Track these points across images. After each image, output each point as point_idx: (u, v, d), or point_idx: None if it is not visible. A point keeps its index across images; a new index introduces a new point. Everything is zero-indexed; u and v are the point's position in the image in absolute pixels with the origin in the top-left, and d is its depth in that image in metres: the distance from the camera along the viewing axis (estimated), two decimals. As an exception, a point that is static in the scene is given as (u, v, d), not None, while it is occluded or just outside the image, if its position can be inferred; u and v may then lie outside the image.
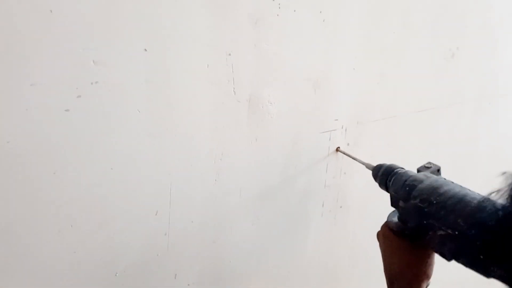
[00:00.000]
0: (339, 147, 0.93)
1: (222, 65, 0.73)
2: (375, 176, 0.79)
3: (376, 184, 1.01)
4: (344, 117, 0.92)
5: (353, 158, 0.89)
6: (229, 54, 0.73)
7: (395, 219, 0.71)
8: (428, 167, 0.70)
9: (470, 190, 0.60)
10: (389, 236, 0.69)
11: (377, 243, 0.72)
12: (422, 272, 0.65)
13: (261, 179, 0.86)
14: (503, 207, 0.52)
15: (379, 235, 0.72)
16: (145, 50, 0.65)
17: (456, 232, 0.57)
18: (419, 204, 0.63)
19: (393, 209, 0.73)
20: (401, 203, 0.69)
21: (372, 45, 0.89)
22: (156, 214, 0.75)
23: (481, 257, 0.54)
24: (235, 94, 0.76)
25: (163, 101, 0.69)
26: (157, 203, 0.75)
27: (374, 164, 0.80)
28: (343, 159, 0.96)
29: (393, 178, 0.73)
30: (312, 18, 0.79)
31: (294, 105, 0.84)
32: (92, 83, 0.63)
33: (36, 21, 0.56)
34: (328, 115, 0.89)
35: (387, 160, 1.03)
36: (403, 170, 0.73)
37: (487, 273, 0.54)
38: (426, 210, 0.62)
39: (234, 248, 0.88)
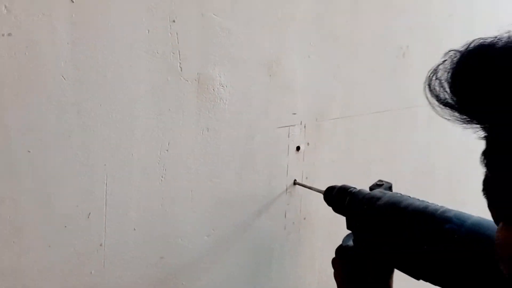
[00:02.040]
0: (295, 180, 0.85)
1: (165, 33, 0.63)
2: (327, 199, 0.73)
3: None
4: (302, 111, 0.83)
5: (310, 188, 0.82)
6: (173, 21, 0.63)
7: (350, 242, 0.67)
8: (380, 185, 0.69)
9: (429, 202, 0.60)
10: (346, 261, 0.66)
11: None
12: None
13: (216, 180, 0.73)
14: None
15: (335, 262, 0.68)
16: (72, 1, 0.54)
17: (425, 247, 0.56)
18: (379, 222, 0.61)
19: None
20: (358, 224, 0.65)
21: (326, 32, 0.83)
22: (88, 217, 0.60)
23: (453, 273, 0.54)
24: (181, 70, 0.65)
25: (94, 70, 0.57)
26: (89, 203, 0.60)
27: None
28: (303, 160, 0.86)
29: (347, 198, 0.68)
30: (264, -8, 0.73)
31: (249, 91, 0.74)
32: (3, 35, 0.50)
33: None
34: (285, 107, 0.80)
35: (348, 163, 0.95)
36: (357, 190, 0.69)
37: None
38: (387, 227, 0.60)
39: (187, 266, 0.72)
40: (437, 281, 0.56)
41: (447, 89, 0.37)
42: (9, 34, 0.50)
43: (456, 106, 0.36)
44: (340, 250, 0.68)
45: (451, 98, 0.36)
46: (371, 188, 0.69)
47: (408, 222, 0.58)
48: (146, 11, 0.60)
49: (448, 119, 0.37)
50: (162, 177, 0.67)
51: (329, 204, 0.73)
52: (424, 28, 1.05)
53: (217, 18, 0.68)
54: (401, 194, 0.64)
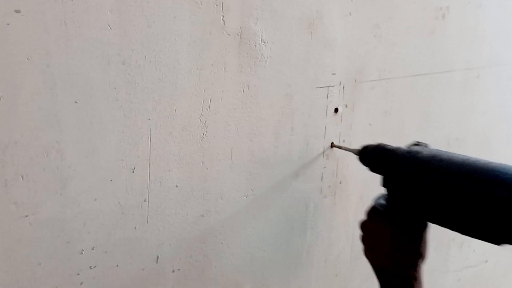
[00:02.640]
0: (333, 142, 0.83)
1: (210, -17, 0.61)
2: (363, 158, 0.70)
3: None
4: (342, 72, 0.81)
5: (347, 150, 0.79)
6: (217, -30, 0.61)
7: (382, 201, 0.65)
8: (417, 145, 0.65)
9: (470, 156, 0.57)
10: (381, 220, 0.63)
11: None
12: (419, 254, 0.62)
13: (254, 139, 0.72)
14: None
15: (366, 224, 0.66)
16: None
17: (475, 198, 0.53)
18: (424, 172, 0.58)
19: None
20: (398, 181, 0.62)
21: (367, -11, 0.81)
22: (133, 172, 0.59)
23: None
24: (224, 24, 0.64)
25: (139, 20, 0.56)
26: (135, 157, 0.59)
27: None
28: (341, 123, 0.84)
29: (386, 155, 0.65)
30: None
31: (289, 48, 0.72)
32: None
33: None
34: (325, 67, 0.78)
35: (385, 127, 0.93)
36: (394, 147, 0.66)
37: None
38: (432, 177, 0.57)
39: (226, 224, 0.72)
40: (479, 234, 0.54)
41: None
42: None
43: None
44: (373, 211, 0.65)
45: None
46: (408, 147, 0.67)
47: (453, 175, 0.56)
48: (191, -40, 0.58)
49: None
50: (204, 134, 0.66)
51: (365, 163, 0.70)
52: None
53: (261, -30, 0.65)
54: (439, 150, 0.62)
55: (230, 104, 0.67)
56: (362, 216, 0.67)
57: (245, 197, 0.74)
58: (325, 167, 0.84)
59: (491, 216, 0.52)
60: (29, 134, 0.51)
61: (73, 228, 0.56)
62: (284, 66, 0.72)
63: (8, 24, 0.47)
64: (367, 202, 0.68)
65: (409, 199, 0.60)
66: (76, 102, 0.53)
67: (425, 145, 0.65)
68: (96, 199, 0.57)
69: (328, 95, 0.80)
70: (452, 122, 1.07)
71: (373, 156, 0.68)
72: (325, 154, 0.83)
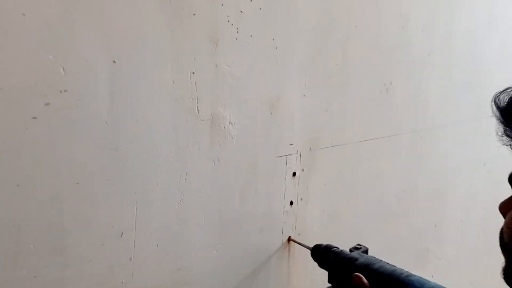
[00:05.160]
0: (290, 236, 1.00)
1: (186, 82, 0.75)
2: (314, 255, 0.88)
3: (332, 211, 1.06)
4: (298, 142, 0.96)
5: (301, 245, 0.95)
6: (193, 73, 0.76)
7: None
8: (359, 248, 0.82)
9: (397, 267, 0.72)
10: None
11: None
12: None
13: (224, 203, 0.86)
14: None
15: None
16: (114, 61, 0.66)
17: None
18: None
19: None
20: (338, 279, 0.79)
21: (319, 74, 0.96)
22: (121, 236, 0.72)
23: None
24: (198, 112, 0.78)
25: (129, 115, 0.70)
26: (122, 224, 0.72)
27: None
28: (299, 184, 0.99)
29: (330, 257, 0.82)
30: (267, 44, 0.85)
31: (253, 127, 0.87)
32: (61, 91, 0.62)
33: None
34: (283, 139, 0.93)
35: (338, 186, 1.08)
36: (339, 249, 0.83)
37: None
38: None
39: (199, 276, 0.85)
40: None
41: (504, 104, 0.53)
42: (65, 90, 0.62)
43: (504, 120, 0.53)
44: None
45: (503, 112, 0.53)
46: (351, 250, 0.83)
47: (379, 282, 0.70)
48: (171, 65, 0.73)
49: (499, 135, 0.53)
50: (180, 202, 0.79)
51: (315, 259, 0.87)
52: (406, 66, 1.19)
53: (228, 68, 0.81)
54: (375, 257, 0.77)
55: (203, 175, 0.81)
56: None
57: (215, 252, 0.87)
58: (285, 222, 0.98)
59: None
60: (34, 213, 0.63)
61: (72, 285, 0.69)
62: (248, 141, 0.87)
63: (35, 117, 0.60)
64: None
65: None
66: (77, 183, 0.66)
67: (365, 249, 0.81)
68: (90, 260, 0.69)
69: (287, 162, 0.95)
70: (400, 178, 1.23)
71: (321, 256, 0.84)
72: (285, 211, 0.97)
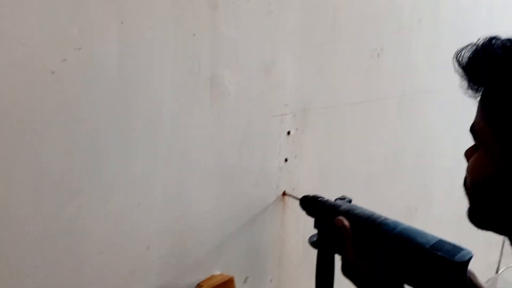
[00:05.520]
0: (285, 191, 1.08)
1: (187, 44, 0.82)
2: (302, 204, 0.95)
3: (323, 168, 1.14)
4: (292, 103, 1.03)
5: (295, 198, 1.03)
6: (193, 35, 0.83)
7: (314, 238, 0.88)
8: (343, 198, 0.89)
9: (375, 212, 0.80)
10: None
11: None
12: None
13: (223, 157, 0.94)
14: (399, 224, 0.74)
15: None
16: (122, 23, 0.73)
17: (368, 241, 0.76)
18: None
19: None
20: (323, 225, 0.86)
21: (312, 39, 1.03)
22: (130, 183, 0.80)
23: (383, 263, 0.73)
24: (199, 72, 0.85)
25: (136, 73, 0.77)
26: (130, 172, 0.80)
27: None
28: (293, 142, 1.07)
29: (317, 205, 0.90)
30: (262, 9, 0.92)
31: (249, 87, 0.94)
32: (75, 49, 0.69)
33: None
34: (278, 100, 1.00)
35: (329, 144, 1.16)
36: (324, 199, 0.91)
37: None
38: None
39: (200, 223, 0.93)
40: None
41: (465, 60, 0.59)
42: (79, 48, 0.70)
43: (467, 75, 0.60)
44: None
45: (465, 68, 0.59)
46: (336, 200, 0.90)
47: (358, 224, 0.78)
48: (173, 28, 0.80)
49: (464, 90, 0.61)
50: (182, 154, 0.87)
51: (303, 208, 0.95)
52: (396, 32, 1.25)
53: (226, 31, 0.87)
54: (356, 205, 0.85)
55: (204, 130, 0.89)
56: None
57: (215, 201, 0.95)
58: (280, 178, 1.06)
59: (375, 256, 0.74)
60: (54, 158, 0.71)
61: (87, 225, 0.77)
62: (246, 101, 0.94)
63: (53, 72, 0.67)
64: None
65: (330, 239, 0.83)
66: (90, 134, 0.74)
67: (349, 200, 0.89)
68: (103, 203, 0.78)
69: (282, 121, 1.03)
70: (388, 140, 1.31)
71: (309, 205, 0.93)
72: (280, 167, 1.05)
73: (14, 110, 0.65)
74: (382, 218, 0.78)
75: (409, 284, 0.71)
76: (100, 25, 0.71)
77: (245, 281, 1.05)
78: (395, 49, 1.24)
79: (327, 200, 0.89)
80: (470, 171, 0.65)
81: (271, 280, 1.11)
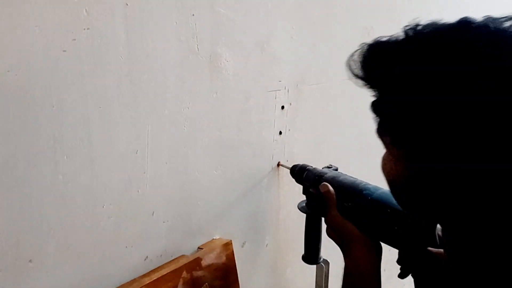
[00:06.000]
0: (279, 162, 1.15)
1: (187, 23, 0.88)
2: (292, 173, 1.03)
3: (316, 141, 1.20)
4: (286, 79, 1.10)
5: (288, 168, 1.08)
6: (193, 15, 0.88)
7: (303, 204, 0.96)
8: (329, 167, 0.96)
9: (358, 179, 0.86)
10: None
11: None
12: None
13: (221, 130, 1.00)
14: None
15: None
16: (127, 4, 0.79)
17: (350, 204, 0.82)
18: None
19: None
20: (311, 190, 0.92)
21: (305, 19, 1.09)
22: (136, 153, 0.87)
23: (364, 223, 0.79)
24: (198, 50, 0.91)
25: (141, 51, 0.83)
26: (137, 143, 0.87)
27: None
28: (287, 116, 1.13)
29: (305, 173, 0.97)
30: (258, -11, 0.98)
31: (246, 64, 1.00)
32: (84, 29, 0.75)
33: (43, -29, 0.69)
34: (273, 76, 1.07)
35: (321, 118, 1.22)
36: (312, 167, 0.98)
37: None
38: None
39: (203, 192, 1.00)
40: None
41: (359, 67, 0.60)
42: (88, 28, 0.76)
43: (363, 78, 0.60)
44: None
45: (361, 73, 0.60)
46: (322, 168, 0.97)
47: (342, 189, 0.84)
48: (174, 8, 0.85)
49: (360, 87, 0.63)
50: (184, 127, 0.93)
51: (293, 176, 1.03)
52: (387, 11, 1.31)
53: (224, 11, 0.93)
54: (341, 173, 0.91)
55: (204, 105, 0.95)
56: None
57: (215, 171, 1.02)
58: (275, 149, 1.13)
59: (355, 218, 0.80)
60: (67, 130, 0.78)
61: (99, 190, 0.84)
62: (242, 77, 1.00)
63: (64, 50, 0.74)
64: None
65: (316, 204, 0.88)
66: (100, 107, 0.80)
67: (336, 168, 0.95)
68: (113, 172, 0.85)
69: (276, 96, 1.09)
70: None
71: (298, 173, 1.01)
72: (274, 140, 1.12)
73: (35, 86, 0.71)
74: (364, 183, 0.84)
75: (384, 242, 0.78)
76: (107, 6, 0.77)
77: (242, 246, 1.13)
78: (385, 28, 1.28)
79: (314, 169, 0.97)
80: (382, 170, 0.63)
81: (267, 245, 1.19)
